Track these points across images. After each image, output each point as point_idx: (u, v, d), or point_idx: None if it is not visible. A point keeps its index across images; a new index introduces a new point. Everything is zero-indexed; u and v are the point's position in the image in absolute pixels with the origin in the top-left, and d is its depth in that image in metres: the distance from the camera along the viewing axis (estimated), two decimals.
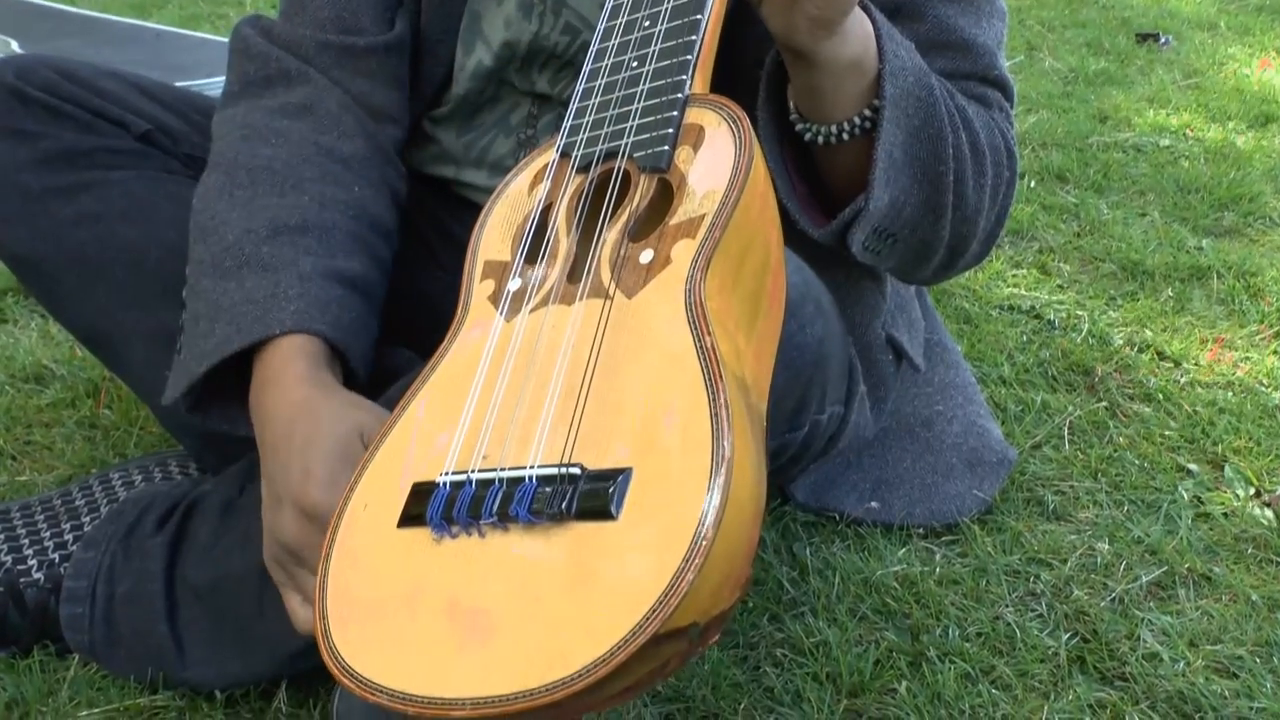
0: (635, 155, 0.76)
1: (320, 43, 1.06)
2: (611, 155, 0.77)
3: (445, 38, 1.09)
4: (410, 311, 1.09)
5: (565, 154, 0.80)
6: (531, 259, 0.76)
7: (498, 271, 0.78)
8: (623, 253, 0.71)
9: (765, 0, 0.85)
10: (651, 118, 0.76)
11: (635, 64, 0.80)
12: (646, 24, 0.81)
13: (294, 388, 0.86)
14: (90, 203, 1.07)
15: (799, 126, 0.94)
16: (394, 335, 1.07)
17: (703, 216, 0.69)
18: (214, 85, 1.89)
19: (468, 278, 0.79)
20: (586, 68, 0.83)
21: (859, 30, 0.88)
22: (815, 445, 1.02)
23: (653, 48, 0.79)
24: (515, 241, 0.78)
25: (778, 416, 0.85)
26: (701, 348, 0.64)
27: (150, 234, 1.07)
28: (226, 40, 2.23)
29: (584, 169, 0.78)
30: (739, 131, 0.73)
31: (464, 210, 1.14)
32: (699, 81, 0.78)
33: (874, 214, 0.92)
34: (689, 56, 0.77)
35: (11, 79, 1.07)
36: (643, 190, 0.74)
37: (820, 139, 0.93)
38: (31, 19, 2.27)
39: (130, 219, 1.07)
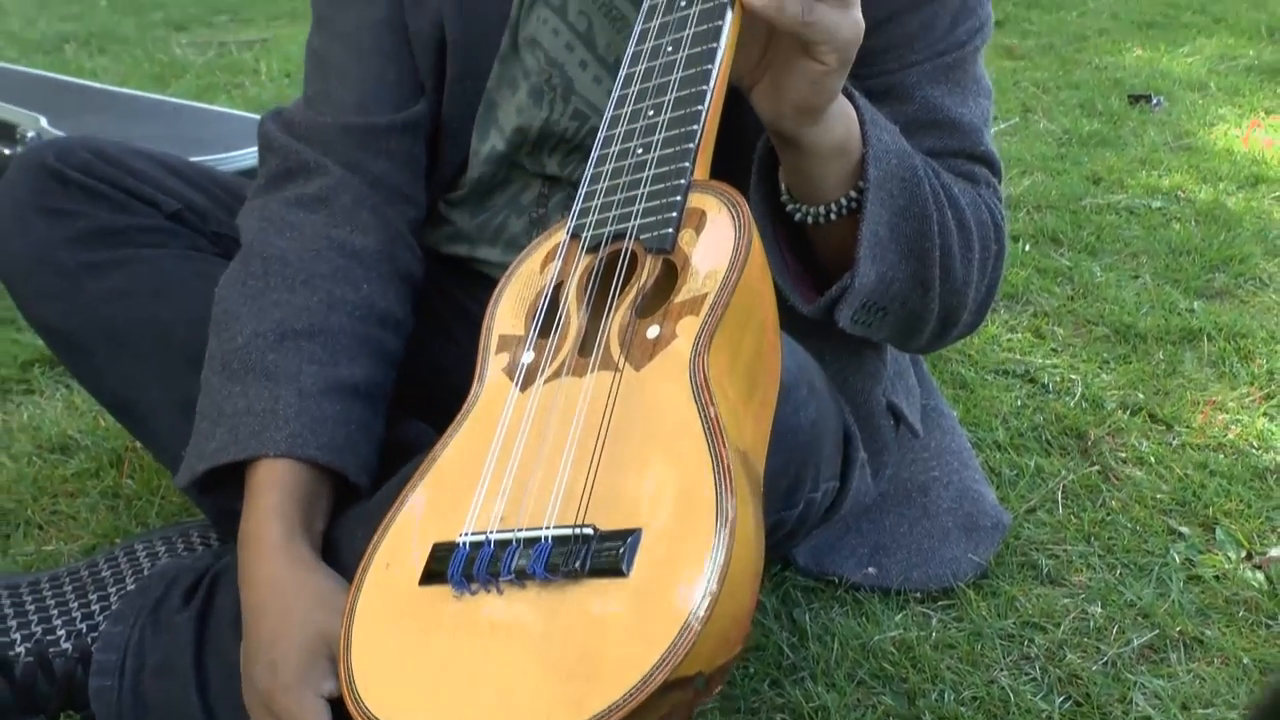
0: (642, 237, 0.80)
1: (343, 126, 1.12)
2: (619, 237, 0.82)
3: (462, 124, 1.14)
4: (425, 384, 1.14)
5: (575, 235, 0.85)
6: (544, 333, 0.81)
7: (512, 345, 0.83)
8: (631, 329, 0.76)
9: (755, 89, 0.90)
10: (656, 202, 0.81)
11: (641, 151, 0.84)
12: (651, 113, 0.85)
13: (268, 556, 0.93)
14: (122, 279, 1.12)
15: (789, 207, 0.99)
16: (408, 407, 1.12)
17: (705, 295, 0.74)
18: (232, 159, 1.95)
19: (483, 350, 0.84)
20: (595, 153, 0.88)
21: (843, 117, 0.93)
22: (811, 520, 1.06)
23: (657, 136, 0.84)
24: (529, 317, 0.83)
25: (773, 496, 0.90)
26: (705, 418, 0.69)
27: (178, 309, 1.12)
28: (243, 114, 2.30)
29: (593, 249, 0.83)
30: (738, 216, 0.78)
31: (478, 286, 1.19)
32: (700, 167, 0.83)
33: (860, 290, 0.97)
34: (691, 145, 0.82)
35: (52, 161, 1.13)
36: (649, 270, 0.79)
37: (810, 218, 0.98)
38: (59, 94, 2.33)
39: (159, 295, 1.13)
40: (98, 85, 2.56)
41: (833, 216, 0.96)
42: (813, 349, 1.00)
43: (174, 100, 2.46)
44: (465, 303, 1.20)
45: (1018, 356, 1.72)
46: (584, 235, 0.84)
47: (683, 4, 0.86)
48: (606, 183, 0.85)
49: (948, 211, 1.02)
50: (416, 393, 1.13)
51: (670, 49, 0.86)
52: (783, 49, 0.87)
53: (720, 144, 0.88)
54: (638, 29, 0.89)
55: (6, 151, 2.13)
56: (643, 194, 0.82)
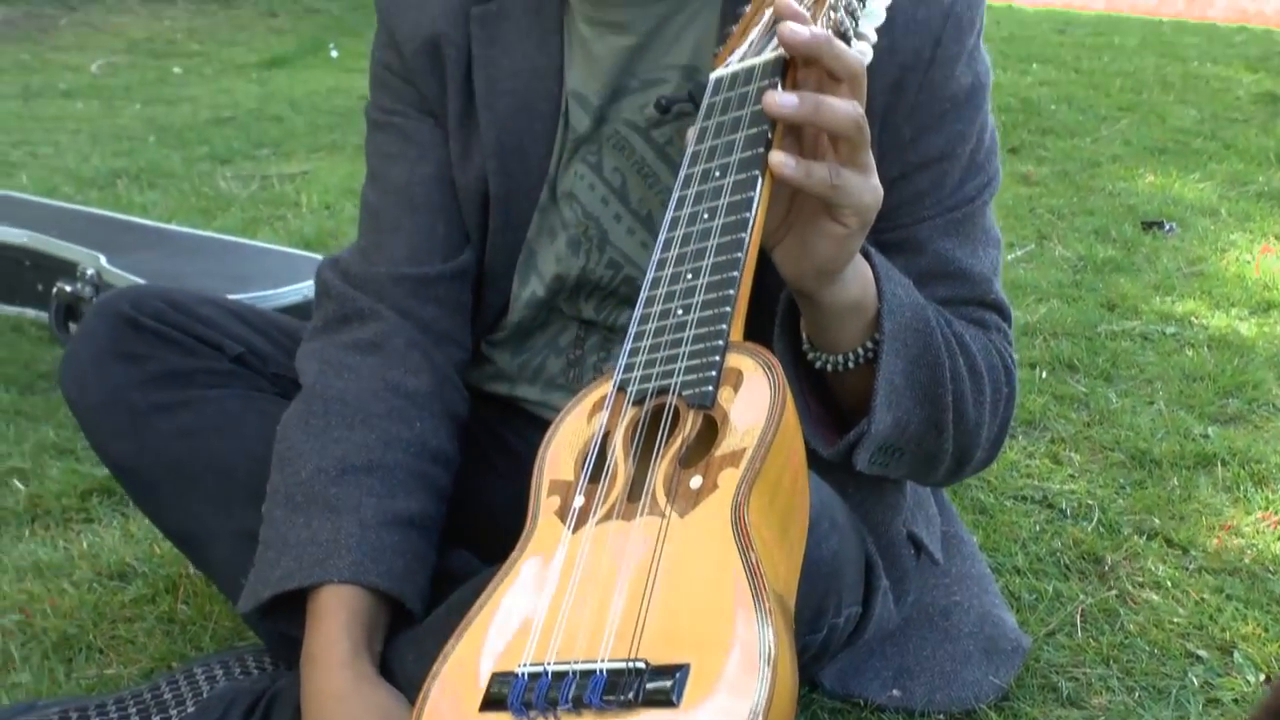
0: (684, 393, 0.87)
1: (395, 277, 1.21)
2: (662, 392, 0.88)
3: (504, 271, 1.23)
4: (469, 515, 1.21)
5: (621, 388, 0.91)
6: (594, 479, 0.88)
7: (563, 489, 0.89)
8: (675, 478, 0.83)
9: (778, 248, 0.98)
10: (697, 361, 0.88)
11: (681, 311, 0.91)
12: (689, 276, 0.92)
13: (335, 672, 1.00)
14: (189, 418, 1.21)
15: (810, 355, 1.06)
16: (454, 536, 1.19)
17: (744, 450, 0.82)
18: (277, 295, 2.05)
19: (535, 492, 0.91)
20: (638, 311, 0.94)
21: (859, 276, 1.01)
22: (834, 645, 1.11)
23: (696, 298, 0.91)
24: (578, 463, 0.90)
25: (799, 622, 0.95)
26: (747, 563, 0.76)
27: (240, 447, 1.20)
28: (286, 250, 2.41)
29: (639, 402, 0.89)
30: (773, 378, 0.85)
31: (519, 422, 1.27)
32: (735, 328, 0.90)
33: (876, 435, 1.04)
34: (727, 309, 0.89)
35: (128, 309, 1.22)
36: (691, 423, 0.86)
37: (830, 366, 1.05)
38: (116, 233, 2.46)
39: (223, 433, 1.21)
40: (151, 224, 2.69)
41: (851, 365, 1.04)
42: (835, 484, 1.06)
43: (222, 237, 2.58)
44: (507, 437, 1.28)
45: (1036, 482, 1.78)
46: (630, 389, 0.90)
47: (717, 174, 0.93)
48: (650, 340, 0.91)
49: (959, 358, 1.09)
50: (461, 522, 1.20)
51: (706, 215, 0.93)
52: (806, 211, 0.95)
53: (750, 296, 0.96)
54: (675, 195, 0.96)
55: (69, 288, 2.25)
56: (684, 353, 0.89)
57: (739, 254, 0.89)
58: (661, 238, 0.95)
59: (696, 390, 0.86)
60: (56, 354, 2.28)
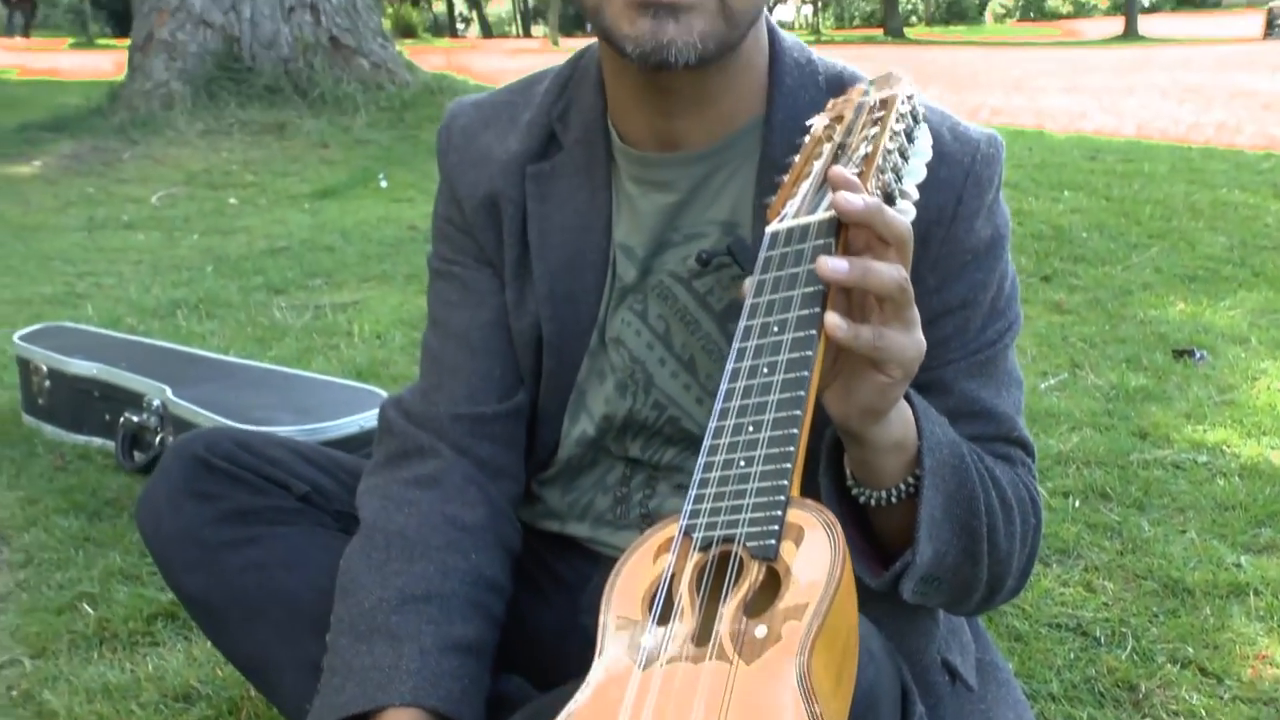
0: (748, 544, 0.92)
1: (454, 416, 1.29)
2: (727, 540, 0.93)
3: (556, 411, 1.31)
4: (522, 642, 1.28)
5: (687, 533, 0.96)
6: (662, 620, 0.92)
7: (630, 626, 0.94)
8: (741, 626, 0.88)
9: (827, 393, 1.04)
10: (760, 514, 0.93)
11: (743, 464, 0.96)
12: (751, 429, 0.97)
13: None
14: (257, 554, 1.29)
15: (854, 491, 1.13)
16: (506, 662, 1.25)
17: (807, 605, 0.87)
18: (336, 427, 2.14)
19: (602, 627, 0.95)
20: (701, 460, 0.99)
21: (901, 416, 1.07)
22: None
23: (758, 452, 0.96)
24: (645, 603, 0.94)
25: None
26: (811, 712, 0.81)
27: (305, 580, 1.27)
28: (342, 381, 2.51)
29: (704, 548, 0.94)
30: (833, 537, 0.90)
31: (569, 554, 1.34)
32: (795, 482, 0.94)
33: (920, 566, 1.09)
34: (788, 465, 0.93)
35: (202, 451, 1.31)
36: (755, 573, 0.91)
37: (873, 501, 1.12)
38: (181, 365, 2.57)
39: (289, 568, 1.28)
40: (214, 356, 2.81)
41: (893, 500, 1.10)
42: (870, 614, 1.12)
43: (281, 370, 2.69)
44: (558, 568, 1.35)
45: (1070, 610, 1.82)
46: (695, 535, 0.95)
47: (775, 329, 0.99)
48: (714, 489, 0.96)
49: (992, 492, 1.15)
50: (514, 648, 1.26)
51: (766, 370, 0.98)
52: (853, 362, 1.01)
53: None
54: (736, 345, 1.01)
55: (135, 419, 2.35)
56: (748, 504, 0.94)
57: (798, 411, 0.95)
58: (723, 388, 1.00)
59: (760, 543, 0.91)
60: (122, 481, 2.39)
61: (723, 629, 0.88)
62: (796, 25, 63.20)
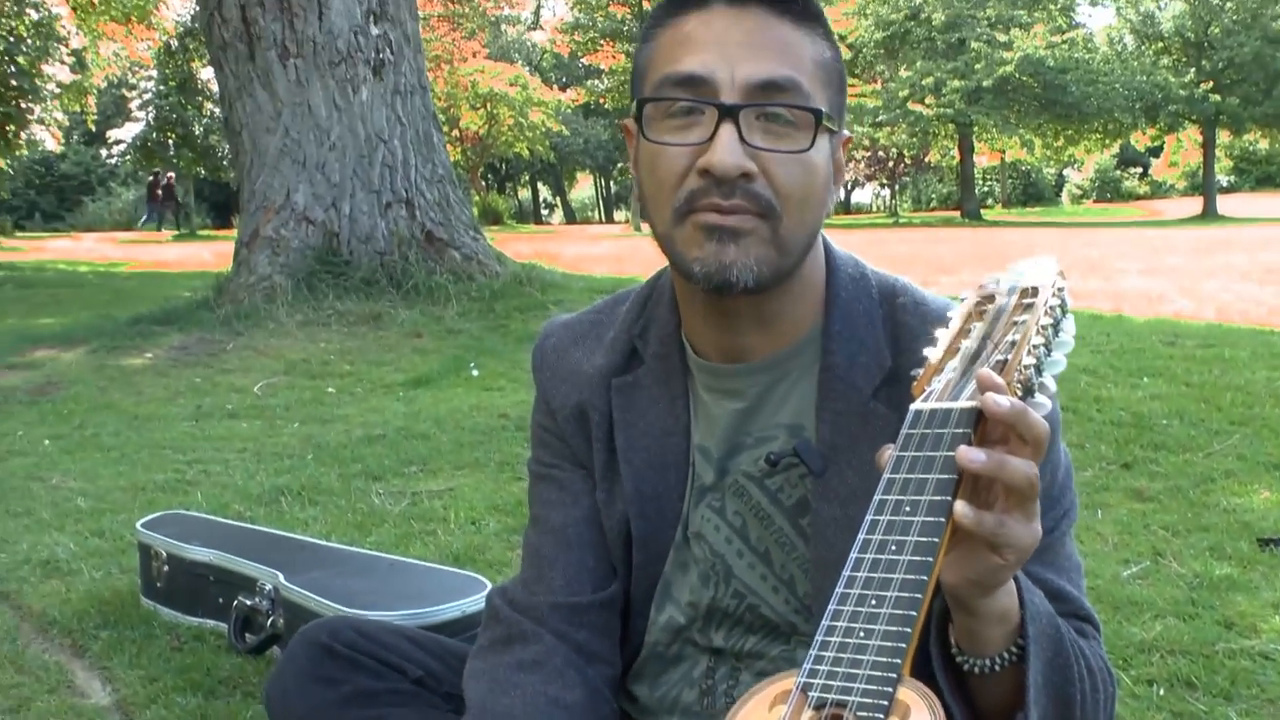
0: (859, 714, 1.00)
1: (553, 604, 1.40)
2: (839, 705, 1.01)
3: (645, 600, 1.42)
4: None
5: (804, 690, 1.03)
6: None
7: None
8: None
9: (960, 556, 1.09)
10: (874, 686, 1.00)
11: (863, 635, 1.03)
12: (874, 602, 1.04)
13: None
14: None
15: (959, 659, 1.19)
16: None
17: None
18: (439, 612, 2.25)
19: None
20: (825, 622, 1.07)
21: (1006, 588, 1.14)
22: None
23: (878, 626, 1.03)
24: None
25: None
26: None
27: None
28: (444, 569, 2.62)
29: (818, 707, 1.02)
30: (928, 707, 0.98)
31: None
32: (908, 660, 1.02)
33: None
34: (904, 644, 1.01)
35: (325, 638, 1.43)
36: None
37: (975, 668, 1.18)
38: (290, 552, 2.71)
39: None
40: (321, 543, 2.96)
41: (994, 668, 1.16)
42: None
43: (385, 557, 2.82)
44: None
45: None
46: (811, 694, 1.03)
47: (908, 509, 1.06)
48: (833, 653, 1.04)
49: (1080, 661, 1.22)
50: None
51: (894, 548, 1.06)
52: (972, 542, 1.08)
53: None
54: (870, 517, 1.08)
55: (248, 602, 2.49)
56: (863, 675, 1.01)
57: (919, 595, 1.02)
58: (853, 556, 1.08)
59: (870, 714, 0.99)
60: (235, 661, 2.51)
61: None
62: (874, 208, 64.35)
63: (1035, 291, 1.08)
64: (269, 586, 2.47)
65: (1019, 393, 1.04)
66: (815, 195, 1.23)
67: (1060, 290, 1.07)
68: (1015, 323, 1.07)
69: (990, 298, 1.12)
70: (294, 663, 1.44)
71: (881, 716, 0.98)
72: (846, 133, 1.31)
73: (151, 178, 36.39)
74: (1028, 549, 1.06)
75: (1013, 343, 1.06)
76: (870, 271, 1.37)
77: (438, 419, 5.24)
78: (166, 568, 2.80)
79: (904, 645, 1.01)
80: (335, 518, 3.73)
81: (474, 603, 2.26)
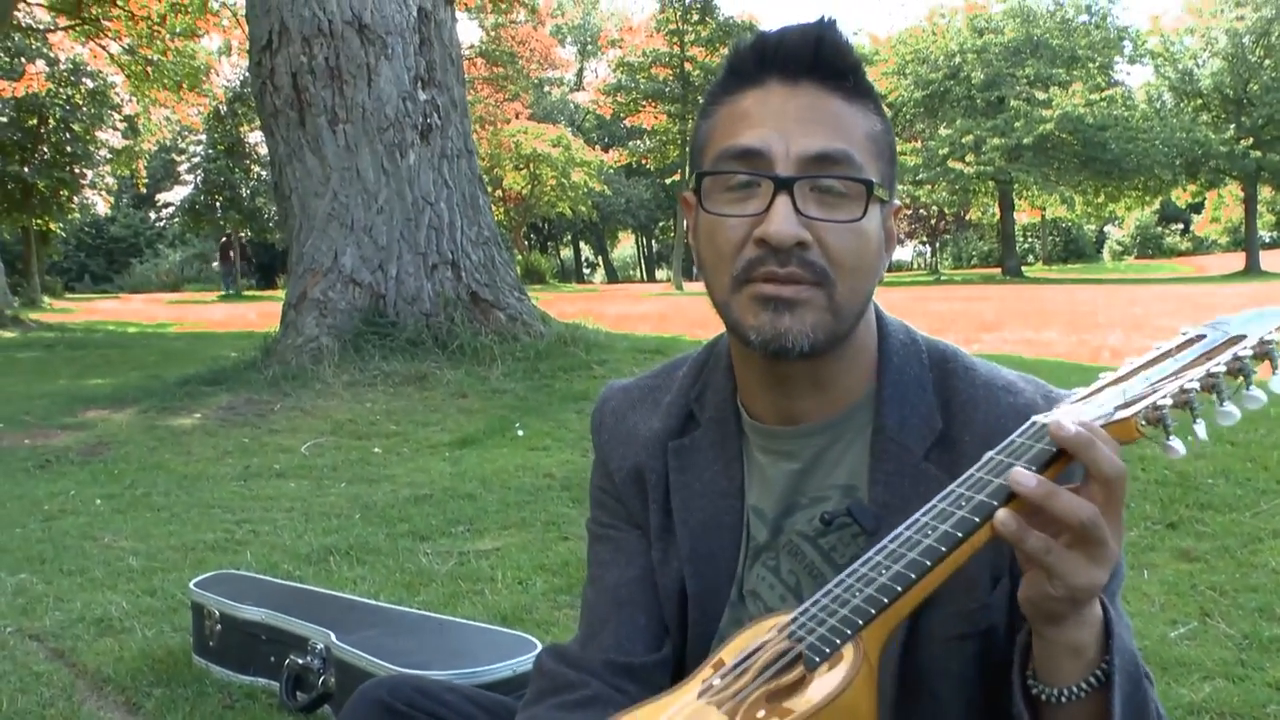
0: (806, 652, 1.07)
1: (605, 661, 1.43)
2: (798, 640, 1.09)
3: (700, 659, 1.44)
4: None
5: (791, 623, 1.12)
6: (735, 672, 1.12)
7: (716, 669, 1.15)
8: (759, 707, 1.06)
9: (1025, 574, 1.11)
10: (829, 634, 1.07)
11: (853, 594, 1.09)
12: (882, 570, 1.10)
13: None
14: None
15: (1031, 684, 1.19)
16: None
17: (792, 711, 1.03)
18: (489, 671, 2.29)
19: (709, 658, 1.17)
20: (842, 574, 1.13)
21: (1081, 624, 1.14)
22: None
23: (869, 590, 1.08)
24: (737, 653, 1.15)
25: None
26: None
27: None
28: (493, 628, 2.66)
29: (792, 639, 1.10)
30: (853, 673, 1.03)
31: None
32: (880, 628, 1.08)
33: None
34: (873, 610, 1.07)
35: (385, 696, 1.47)
36: (795, 675, 1.06)
37: (1044, 697, 1.18)
38: (341, 611, 2.76)
39: None
40: (371, 603, 3.00)
41: (1063, 700, 1.16)
42: None
43: (435, 616, 2.86)
44: None
45: None
46: (791, 627, 1.11)
47: (961, 501, 1.10)
48: (825, 600, 1.11)
49: (1152, 704, 1.22)
50: None
51: (929, 530, 1.09)
52: (1029, 565, 1.09)
53: (911, 635, 1.21)
54: (932, 502, 1.12)
55: (300, 661, 2.53)
56: (829, 624, 1.08)
57: (913, 575, 1.06)
58: (898, 529, 1.12)
59: (810, 655, 1.07)
60: None
61: (748, 699, 1.07)
62: (915, 265, 64.26)
63: (1240, 339, 1.05)
64: (320, 645, 2.51)
65: (1140, 424, 1.02)
66: (868, 263, 1.28)
67: (1267, 343, 1.03)
68: (1191, 363, 1.05)
69: (1201, 336, 1.11)
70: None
71: (817, 660, 1.06)
72: (897, 202, 1.36)
73: (224, 239, 37.13)
74: (1082, 589, 1.06)
75: (1174, 373, 1.04)
76: (920, 337, 1.41)
77: (484, 479, 5.28)
78: (219, 626, 2.85)
79: (874, 611, 1.06)
80: (383, 577, 3.77)
81: (524, 662, 2.29)
